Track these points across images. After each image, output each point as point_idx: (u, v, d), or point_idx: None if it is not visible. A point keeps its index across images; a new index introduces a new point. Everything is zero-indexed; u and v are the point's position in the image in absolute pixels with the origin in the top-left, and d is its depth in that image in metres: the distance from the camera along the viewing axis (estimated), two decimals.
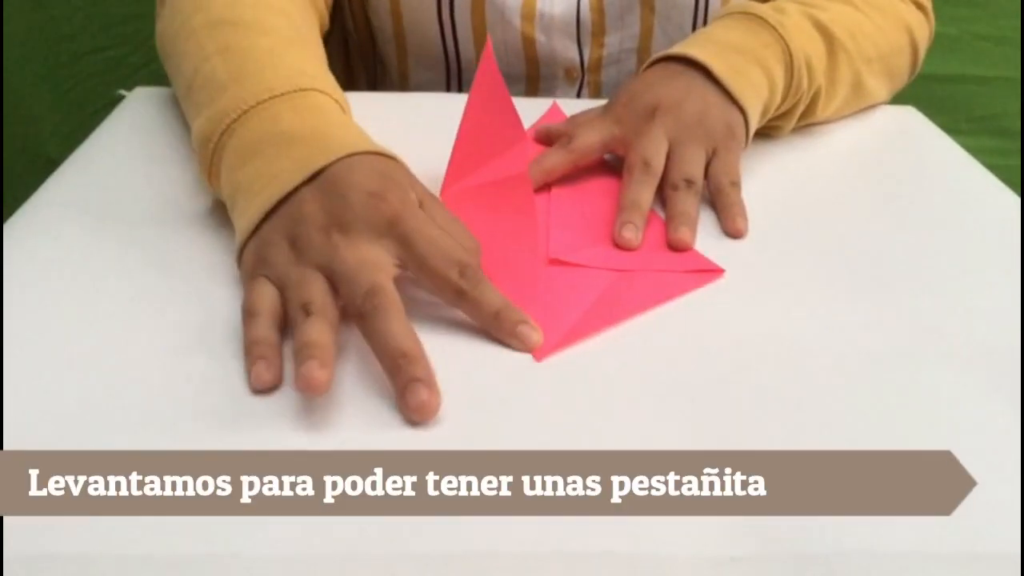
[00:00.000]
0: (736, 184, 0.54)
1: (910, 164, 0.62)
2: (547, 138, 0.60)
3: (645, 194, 0.52)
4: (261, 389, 0.38)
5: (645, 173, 0.53)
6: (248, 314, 0.41)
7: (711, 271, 0.48)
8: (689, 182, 0.53)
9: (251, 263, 0.44)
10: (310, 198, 0.44)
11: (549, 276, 0.47)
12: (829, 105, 0.64)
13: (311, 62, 0.54)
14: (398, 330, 0.39)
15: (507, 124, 0.53)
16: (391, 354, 0.38)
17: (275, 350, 0.39)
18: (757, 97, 0.58)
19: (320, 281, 0.41)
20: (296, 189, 0.44)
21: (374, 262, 0.42)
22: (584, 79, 0.77)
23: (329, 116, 0.49)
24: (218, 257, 0.47)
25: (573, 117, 0.62)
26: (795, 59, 0.59)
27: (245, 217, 0.45)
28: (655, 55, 0.61)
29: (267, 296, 0.42)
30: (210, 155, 0.49)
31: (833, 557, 0.31)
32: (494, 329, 0.42)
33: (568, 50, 0.75)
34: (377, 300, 0.40)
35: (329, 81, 0.53)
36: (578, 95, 0.78)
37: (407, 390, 0.37)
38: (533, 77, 0.77)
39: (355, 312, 0.40)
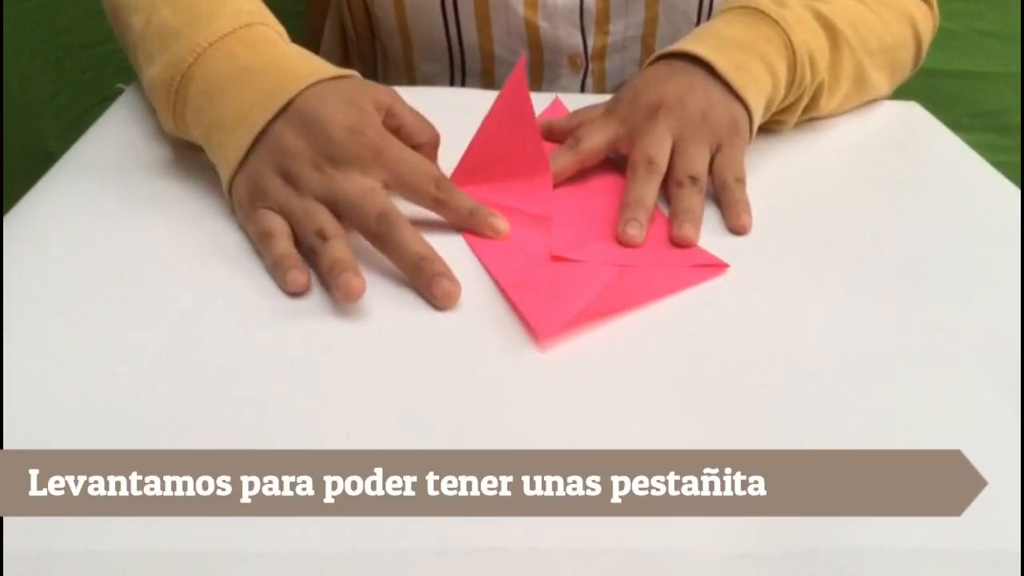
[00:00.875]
0: (741, 180, 0.54)
1: (913, 160, 0.62)
2: (549, 134, 0.60)
3: (649, 191, 0.52)
4: (298, 292, 0.44)
5: (649, 171, 0.53)
6: (266, 236, 0.47)
7: (715, 266, 0.48)
8: (693, 179, 0.53)
9: (246, 196, 0.49)
10: (289, 132, 0.49)
11: (553, 270, 0.47)
12: (832, 99, 0.64)
13: (255, 5, 0.57)
14: (413, 240, 0.46)
15: (526, 143, 0.53)
16: (412, 259, 0.45)
17: (300, 261, 0.45)
18: (760, 92, 0.57)
19: (324, 210, 0.47)
20: (271, 122, 0.49)
21: (372, 189, 0.48)
22: (588, 67, 0.77)
23: (280, 47, 0.53)
24: (220, 251, 0.47)
25: (576, 114, 0.61)
26: (797, 53, 0.59)
27: (225, 154, 0.50)
28: (657, 52, 0.61)
29: (278, 221, 0.47)
30: (172, 99, 0.52)
31: (834, 555, 0.31)
32: (469, 225, 0.50)
33: (572, 37, 0.75)
34: (390, 220, 0.46)
35: (271, 17, 0.57)
36: (582, 83, 0.78)
37: (432, 283, 0.44)
38: (537, 64, 0.77)
39: (370, 234, 0.47)
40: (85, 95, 1.11)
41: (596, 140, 0.56)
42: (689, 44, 0.59)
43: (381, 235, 0.46)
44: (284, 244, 0.46)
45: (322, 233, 0.46)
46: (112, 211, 0.50)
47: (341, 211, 0.47)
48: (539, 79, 0.78)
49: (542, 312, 0.43)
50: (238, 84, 0.50)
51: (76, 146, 0.58)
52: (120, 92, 0.65)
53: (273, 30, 0.55)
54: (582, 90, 0.78)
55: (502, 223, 0.49)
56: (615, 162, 0.58)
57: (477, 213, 0.49)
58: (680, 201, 0.52)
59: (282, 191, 0.48)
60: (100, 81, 1.10)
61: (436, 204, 0.49)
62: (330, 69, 0.52)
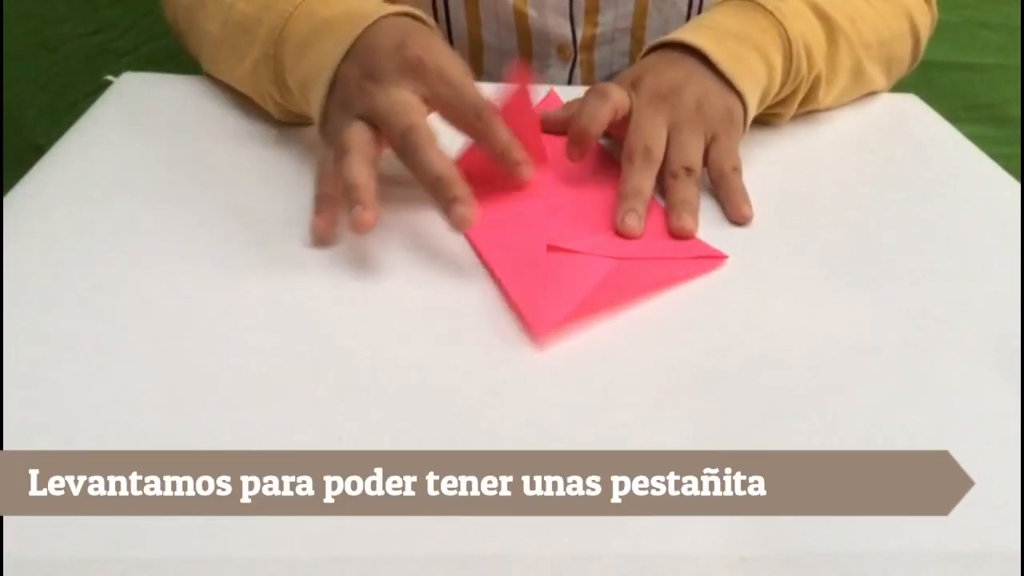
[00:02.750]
0: (737, 169, 0.54)
1: (912, 152, 0.62)
2: (545, 125, 0.60)
3: (646, 182, 0.52)
4: (316, 240, 0.47)
5: (646, 160, 0.53)
6: (317, 176, 0.50)
7: (714, 257, 0.48)
8: (688, 170, 0.53)
9: (324, 142, 0.52)
10: (349, 66, 0.51)
11: (551, 262, 0.47)
12: (830, 92, 0.64)
13: None
14: (434, 159, 0.47)
15: (528, 139, 0.52)
16: (430, 180, 0.46)
17: (331, 206, 0.48)
18: (755, 83, 0.57)
19: (357, 124, 0.48)
20: (339, 65, 0.51)
21: (405, 103, 0.48)
22: (577, 58, 0.77)
23: None
24: (213, 243, 0.47)
25: (570, 105, 0.61)
26: (793, 45, 0.59)
27: (313, 107, 0.52)
28: (652, 42, 0.61)
29: (330, 156, 0.49)
30: (273, 72, 0.55)
31: (834, 557, 0.31)
32: (498, 162, 0.50)
33: (561, 27, 0.75)
34: (413, 137, 0.47)
35: None
36: (570, 74, 0.78)
37: (448, 210, 0.46)
38: (526, 53, 0.76)
39: (397, 150, 0.48)
40: (73, 87, 1.10)
41: (620, 92, 0.55)
42: (684, 34, 0.59)
43: (405, 150, 0.47)
44: (325, 184, 0.49)
45: (342, 146, 0.47)
46: (102, 203, 0.50)
47: (379, 126, 0.48)
48: (527, 69, 0.78)
49: (539, 308, 0.43)
50: (317, 37, 0.53)
51: (65, 138, 0.57)
52: (108, 84, 0.65)
53: None
54: (570, 80, 0.78)
55: (528, 171, 0.50)
56: (610, 153, 0.58)
57: (508, 153, 0.50)
58: (676, 192, 0.52)
59: (337, 120, 0.50)
60: (88, 73, 1.09)
61: (473, 131, 0.50)
62: (394, 8, 0.54)
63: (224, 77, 0.63)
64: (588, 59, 0.77)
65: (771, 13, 0.59)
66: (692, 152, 0.54)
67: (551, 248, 0.48)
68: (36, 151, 0.56)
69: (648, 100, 0.55)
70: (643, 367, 0.40)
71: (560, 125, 0.59)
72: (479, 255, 0.47)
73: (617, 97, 0.55)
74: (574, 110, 0.60)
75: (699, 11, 0.76)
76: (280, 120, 0.59)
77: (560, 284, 0.45)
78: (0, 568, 0.30)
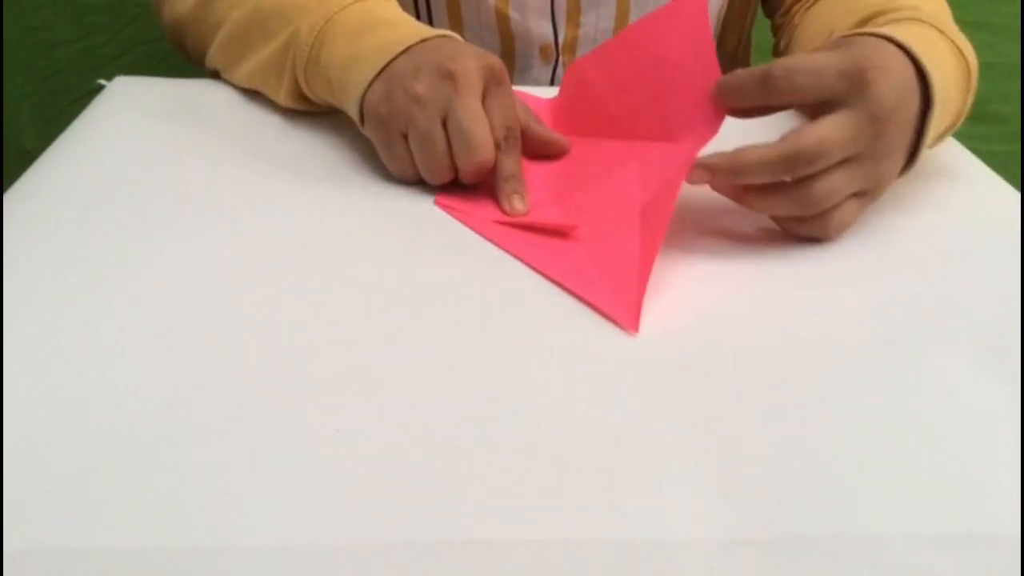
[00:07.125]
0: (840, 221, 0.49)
1: None
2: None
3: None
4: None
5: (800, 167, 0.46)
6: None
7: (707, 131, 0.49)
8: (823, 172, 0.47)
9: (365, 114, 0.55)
10: (405, 57, 0.54)
11: (586, 246, 0.48)
12: None
13: None
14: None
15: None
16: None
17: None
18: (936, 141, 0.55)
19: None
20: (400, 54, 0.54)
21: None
22: (559, 59, 0.77)
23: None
24: (203, 247, 0.47)
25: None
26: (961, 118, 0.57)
27: (360, 79, 0.55)
28: (884, 26, 0.55)
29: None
30: (307, 52, 0.58)
31: (828, 541, 0.32)
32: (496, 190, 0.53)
33: (542, 29, 0.75)
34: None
35: None
36: (552, 75, 0.78)
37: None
38: (508, 54, 0.77)
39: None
40: (61, 92, 1.09)
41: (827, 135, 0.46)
42: (928, 62, 0.50)
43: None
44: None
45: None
46: (98, 207, 0.50)
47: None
48: (510, 70, 0.77)
49: (616, 302, 0.43)
50: (374, 29, 0.57)
51: (56, 144, 0.57)
52: (99, 88, 0.65)
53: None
54: (552, 81, 0.78)
55: (520, 205, 0.52)
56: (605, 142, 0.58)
57: (507, 183, 0.52)
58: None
59: (397, 84, 0.53)
60: (76, 78, 1.08)
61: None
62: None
63: (238, 60, 0.64)
64: (570, 60, 0.77)
65: (969, 68, 0.57)
66: (839, 198, 0.48)
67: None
68: (25, 156, 0.56)
69: (871, 116, 0.47)
70: (643, 358, 0.40)
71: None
72: (521, 259, 0.48)
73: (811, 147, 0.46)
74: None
75: None
76: (285, 105, 0.61)
77: (611, 266, 0.46)
78: (0, 558, 0.30)
